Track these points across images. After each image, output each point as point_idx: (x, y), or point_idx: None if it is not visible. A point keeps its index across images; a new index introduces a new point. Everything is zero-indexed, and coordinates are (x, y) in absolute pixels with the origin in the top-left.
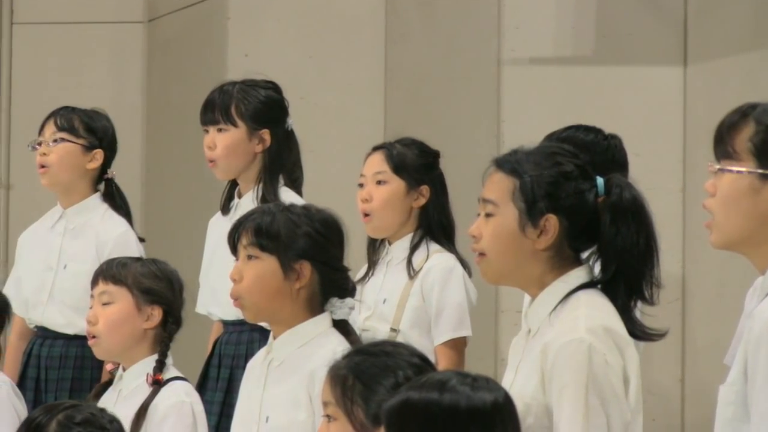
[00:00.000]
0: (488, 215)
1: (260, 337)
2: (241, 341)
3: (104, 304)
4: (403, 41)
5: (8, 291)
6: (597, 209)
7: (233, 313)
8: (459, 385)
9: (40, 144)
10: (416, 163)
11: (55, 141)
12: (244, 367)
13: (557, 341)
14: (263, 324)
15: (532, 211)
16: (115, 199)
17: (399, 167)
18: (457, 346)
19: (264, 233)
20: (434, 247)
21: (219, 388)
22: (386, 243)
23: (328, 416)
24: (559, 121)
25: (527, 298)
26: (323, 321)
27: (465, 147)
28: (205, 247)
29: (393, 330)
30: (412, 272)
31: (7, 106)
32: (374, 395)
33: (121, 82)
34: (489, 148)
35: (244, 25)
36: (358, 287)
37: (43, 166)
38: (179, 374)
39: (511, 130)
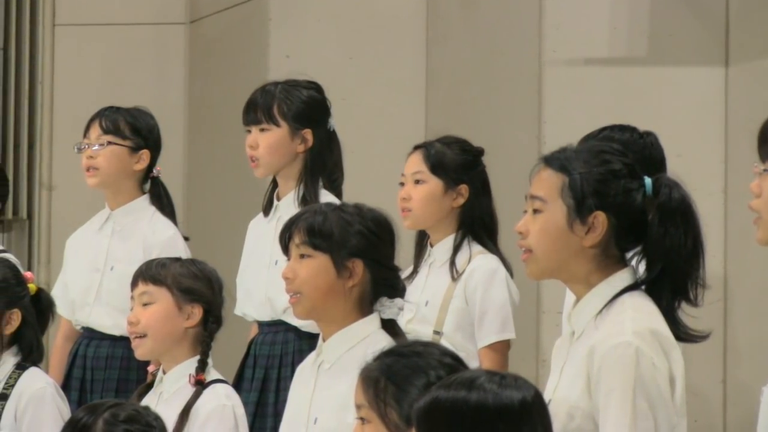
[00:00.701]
0: (536, 212)
1: (295, 337)
2: (276, 342)
3: (145, 304)
4: (444, 42)
5: (56, 293)
6: (644, 209)
7: (268, 314)
8: (487, 383)
9: (86, 146)
10: (455, 163)
11: (101, 144)
12: (278, 368)
13: (604, 344)
14: (297, 324)
15: (580, 207)
16: (162, 199)
17: (436, 167)
18: (501, 349)
19: (317, 232)
20: (477, 248)
21: (254, 388)
22: (428, 245)
23: (361, 419)
24: (600, 122)
25: (568, 300)
26: (373, 322)
27: (506, 148)
28: (243, 248)
29: (436, 333)
30: (455, 273)
31: (50, 108)
32: (407, 396)
33: (163, 83)
34: (530, 149)
35: (286, 26)
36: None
37: (89, 169)
38: (220, 377)
39: (553, 131)
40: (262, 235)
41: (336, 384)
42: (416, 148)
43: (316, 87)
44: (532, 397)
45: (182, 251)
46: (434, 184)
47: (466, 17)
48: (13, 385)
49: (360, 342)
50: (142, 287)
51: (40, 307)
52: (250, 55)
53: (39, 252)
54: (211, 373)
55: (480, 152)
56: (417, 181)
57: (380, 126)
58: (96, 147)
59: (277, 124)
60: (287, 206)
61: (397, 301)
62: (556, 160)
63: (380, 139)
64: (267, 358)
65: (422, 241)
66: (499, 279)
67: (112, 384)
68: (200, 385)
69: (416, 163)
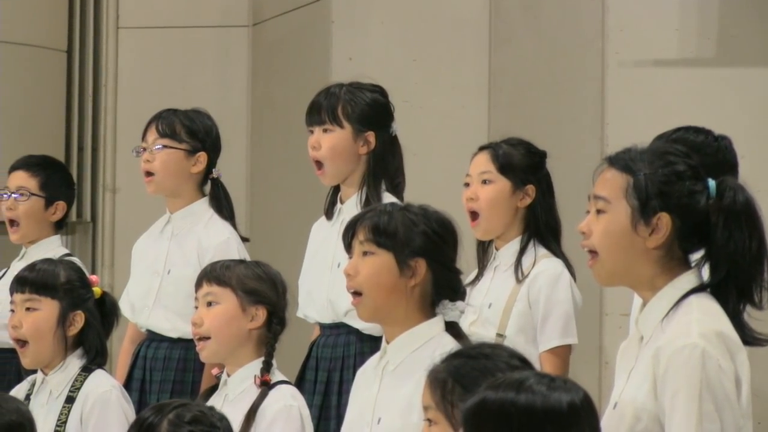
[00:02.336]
0: (599, 212)
1: (357, 339)
2: (337, 344)
3: (209, 305)
4: (507, 44)
5: (123, 296)
6: (708, 211)
7: (329, 316)
8: (536, 385)
9: (143, 150)
10: (522, 163)
11: (157, 148)
12: (340, 370)
13: (670, 347)
14: (359, 327)
15: (645, 208)
16: (221, 201)
17: (505, 167)
18: (562, 353)
19: (381, 230)
20: (541, 251)
21: (317, 391)
22: (494, 248)
23: (429, 420)
24: (664, 123)
25: (636, 303)
26: (437, 324)
27: (569, 150)
28: (306, 250)
29: (499, 335)
30: (520, 275)
31: (113, 111)
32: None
33: (226, 85)
34: (593, 151)
35: (348, 28)
36: (467, 290)
37: (148, 174)
38: (284, 378)
39: (615, 133)
40: (325, 238)
41: (401, 385)
42: (482, 148)
43: (380, 90)
44: (581, 400)
45: (236, 255)
46: (502, 184)
47: (528, 19)
48: (79, 388)
49: (425, 343)
50: (206, 288)
51: (105, 310)
52: (312, 57)
53: (102, 255)
54: (276, 375)
55: (544, 155)
56: (484, 181)
57: (443, 129)
58: (153, 151)
59: (341, 125)
60: (350, 209)
61: (459, 304)
62: (621, 161)
63: (443, 142)
64: (329, 361)
65: (485, 244)
66: (563, 283)
67: (168, 385)
68: (266, 386)
69: (484, 163)
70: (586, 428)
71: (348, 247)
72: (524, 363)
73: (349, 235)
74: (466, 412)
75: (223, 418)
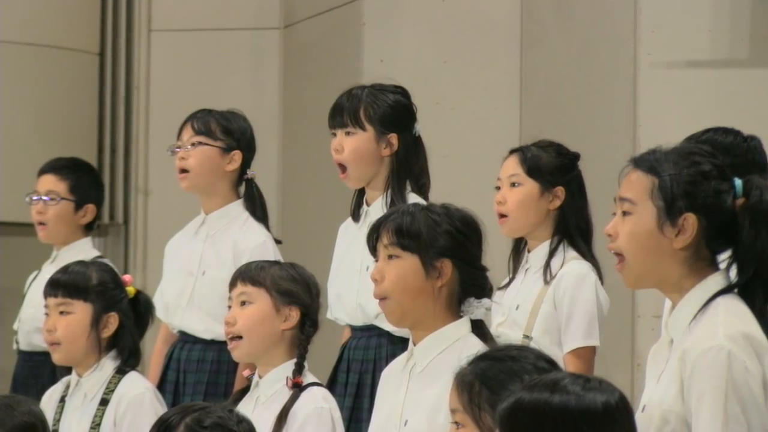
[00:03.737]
0: (625, 214)
1: (387, 342)
2: (369, 346)
3: (242, 304)
4: (539, 45)
5: (155, 297)
6: (735, 211)
7: (360, 319)
8: (571, 385)
9: (178, 148)
10: (551, 165)
11: (192, 145)
12: (372, 372)
13: (696, 348)
14: (389, 329)
15: (671, 209)
16: (255, 202)
17: (532, 170)
18: (585, 355)
19: (405, 232)
20: (571, 253)
21: (348, 393)
22: (526, 250)
23: (456, 423)
24: (696, 124)
25: (667, 305)
26: (463, 325)
27: (601, 151)
28: (334, 253)
29: (526, 337)
30: (548, 277)
31: (146, 113)
32: (501, 400)
33: (258, 87)
34: (625, 152)
35: (380, 30)
36: (500, 293)
37: (182, 171)
38: (316, 380)
39: (648, 134)
40: (353, 240)
41: (428, 387)
42: (512, 152)
43: (402, 91)
44: (616, 401)
45: (272, 258)
46: (530, 186)
47: (560, 20)
48: (113, 390)
49: (451, 345)
50: (240, 288)
51: (139, 311)
52: (344, 59)
53: (135, 256)
54: (308, 376)
55: (576, 156)
56: (513, 184)
57: (475, 130)
58: (188, 148)
59: (363, 128)
60: (376, 211)
61: (485, 301)
62: (646, 162)
63: (474, 144)
64: (360, 363)
65: (519, 247)
66: (588, 284)
67: (201, 387)
68: (297, 388)
69: (512, 167)
70: (621, 429)
71: (373, 250)
72: (551, 365)
73: (373, 238)
74: (501, 413)
75: (242, 421)
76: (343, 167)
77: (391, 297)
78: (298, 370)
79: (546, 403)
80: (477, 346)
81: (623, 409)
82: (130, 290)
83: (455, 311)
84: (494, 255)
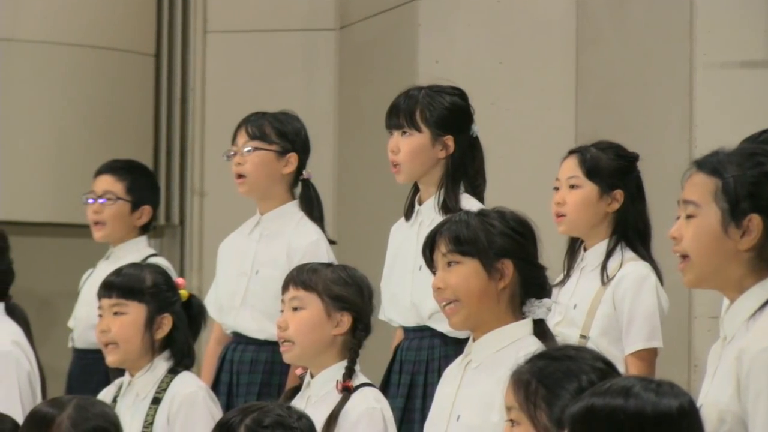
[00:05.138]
0: (689, 216)
1: (441, 343)
2: (421, 347)
3: (294, 309)
4: (594, 46)
5: (209, 298)
6: None
7: (413, 320)
8: (643, 391)
9: (234, 153)
10: (610, 168)
11: (248, 150)
12: (424, 373)
13: (753, 348)
14: (443, 330)
15: (735, 211)
16: (311, 202)
17: (591, 172)
18: (648, 357)
19: (462, 239)
20: (629, 254)
21: (400, 394)
22: (582, 249)
23: (511, 420)
24: (753, 125)
25: (725, 305)
26: (525, 326)
27: (657, 151)
28: (387, 253)
29: (583, 337)
30: (605, 278)
31: (201, 115)
32: (558, 399)
33: (313, 88)
34: (681, 153)
35: (435, 31)
36: (554, 290)
37: (239, 176)
38: (368, 380)
39: (704, 134)
40: (405, 240)
41: (481, 382)
42: (571, 152)
43: (459, 93)
44: (688, 404)
45: (325, 257)
46: (589, 188)
47: (615, 20)
48: (165, 389)
49: (510, 344)
50: (292, 292)
51: (192, 313)
52: (399, 60)
53: (191, 258)
54: (359, 377)
55: (635, 158)
56: (572, 186)
57: (530, 130)
58: (244, 153)
59: (419, 130)
60: (428, 211)
61: (545, 301)
62: (709, 164)
63: (530, 144)
64: (413, 364)
65: (575, 246)
66: (649, 286)
67: (254, 388)
68: (347, 391)
69: (571, 168)
70: None
71: (429, 261)
72: (608, 366)
73: (428, 250)
74: (572, 418)
75: (302, 417)
76: (397, 166)
77: (456, 301)
78: (349, 374)
79: (621, 410)
80: (535, 346)
81: (694, 413)
82: (183, 293)
83: (517, 313)
84: (548, 256)
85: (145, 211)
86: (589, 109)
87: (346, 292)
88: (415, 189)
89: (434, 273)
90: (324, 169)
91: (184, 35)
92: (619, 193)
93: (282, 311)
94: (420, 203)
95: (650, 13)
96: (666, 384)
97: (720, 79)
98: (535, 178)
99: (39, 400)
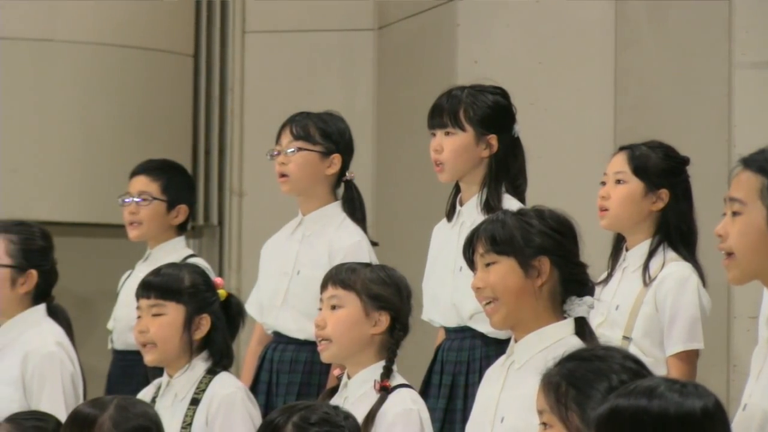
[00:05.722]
0: (735, 214)
1: (482, 343)
2: (462, 348)
3: (333, 308)
4: (632, 46)
5: (251, 298)
6: None
7: (454, 320)
8: (668, 391)
9: (278, 153)
10: (658, 167)
11: (292, 150)
12: (465, 374)
13: None
14: (484, 331)
15: None
16: (354, 203)
17: (639, 169)
18: (689, 358)
19: (498, 239)
20: (671, 255)
21: (441, 395)
22: (624, 249)
23: (544, 424)
24: None
25: (765, 303)
26: (566, 326)
27: (695, 152)
28: (428, 253)
29: (625, 338)
30: (647, 279)
31: (240, 115)
32: (589, 400)
33: (352, 89)
34: (719, 153)
35: (474, 31)
36: (598, 288)
37: (282, 175)
38: (405, 381)
39: (743, 135)
40: (446, 240)
41: (525, 384)
42: (621, 149)
43: (502, 93)
44: (713, 405)
45: (366, 258)
46: (635, 185)
47: (654, 20)
48: (204, 390)
49: (553, 344)
50: (331, 291)
51: (230, 313)
52: (438, 60)
53: (230, 258)
54: (397, 378)
55: (685, 161)
56: (618, 181)
57: (569, 130)
58: (288, 153)
59: (463, 129)
60: (470, 211)
61: (587, 299)
62: (755, 162)
63: (569, 144)
64: (454, 365)
65: (618, 245)
66: (691, 287)
67: (294, 388)
68: (385, 391)
69: (619, 164)
70: None
71: (470, 262)
72: (639, 365)
73: (469, 251)
74: (597, 420)
75: (348, 417)
76: (440, 166)
77: (495, 299)
78: (386, 374)
79: (645, 411)
80: (577, 347)
81: (720, 414)
82: (221, 293)
83: (558, 311)
84: (590, 254)
85: (181, 210)
86: (628, 109)
87: (385, 292)
88: (457, 190)
89: (475, 273)
90: (363, 169)
91: (222, 35)
92: (664, 193)
93: (320, 310)
94: (461, 204)
95: (689, 13)
96: (691, 384)
97: (759, 79)
98: (573, 178)
99: (82, 401)
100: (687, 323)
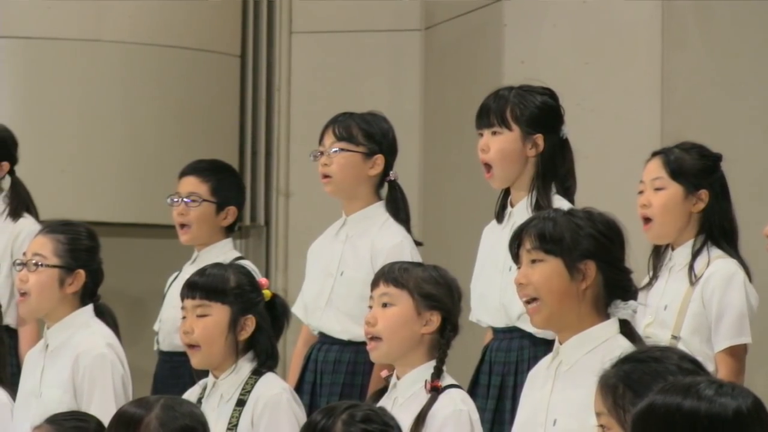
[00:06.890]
0: None
1: (530, 344)
2: (511, 348)
3: (384, 305)
4: (680, 46)
5: (298, 301)
6: None
7: (502, 321)
8: (704, 390)
9: (321, 154)
10: (694, 168)
11: (335, 151)
12: (514, 374)
13: None
14: (531, 331)
15: None
16: (397, 203)
17: (676, 172)
18: (737, 353)
19: (548, 237)
20: (716, 252)
21: (491, 395)
22: (669, 249)
23: (601, 426)
24: None
25: None
26: (611, 326)
27: (742, 152)
28: (478, 254)
29: (674, 337)
30: (693, 278)
31: (287, 115)
32: None
33: (399, 89)
34: (766, 154)
35: (521, 31)
36: (642, 294)
37: (325, 176)
38: (454, 382)
39: None
40: (497, 241)
41: (575, 386)
42: (654, 154)
43: (550, 93)
44: (749, 407)
45: (408, 259)
46: (674, 189)
47: (701, 21)
48: (249, 391)
49: (599, 345)
50: (383, 288)
51: (275, 314)
52: (484, 61)
53: (276, 258)
54: (446, 379)
55: (718, 158)
56: (657, 188)
57: (615, 131)
58: (330, 154)
59: (510, 128)
60: (521, 212)
61: (631, 303)
62: None
63: (615, 145)
64: (503, 366)
65: (660, 248)
66: (737, 282)
67: (337, 388)
68: (435, 391)
69: (655, 170)
70: None
71: (515, 256)
72: (695, 365)
73: (515, 245)
74: (634, 416)
75: (393, 418)
76: (488, 167)
77: (537, 299)
78: (437, 374)
79: (676, 408)
80: (625, 347)
81: (757, 416)
82: (266, 293)
83: (602, 313)
84: (635, 258)
85: (230, 212)
86: (675, 109)
87: (437, 291)
88: (507, 191)
89: (519, 268)
90: (409, 169)
91: (269, 36)
92: (704, 193)
93: (370, 307)
94: (512, 205)
95: (736, 13)
96: (729, 385)
97: None
98: (620, 179)
99: None
100: (734, 318)
